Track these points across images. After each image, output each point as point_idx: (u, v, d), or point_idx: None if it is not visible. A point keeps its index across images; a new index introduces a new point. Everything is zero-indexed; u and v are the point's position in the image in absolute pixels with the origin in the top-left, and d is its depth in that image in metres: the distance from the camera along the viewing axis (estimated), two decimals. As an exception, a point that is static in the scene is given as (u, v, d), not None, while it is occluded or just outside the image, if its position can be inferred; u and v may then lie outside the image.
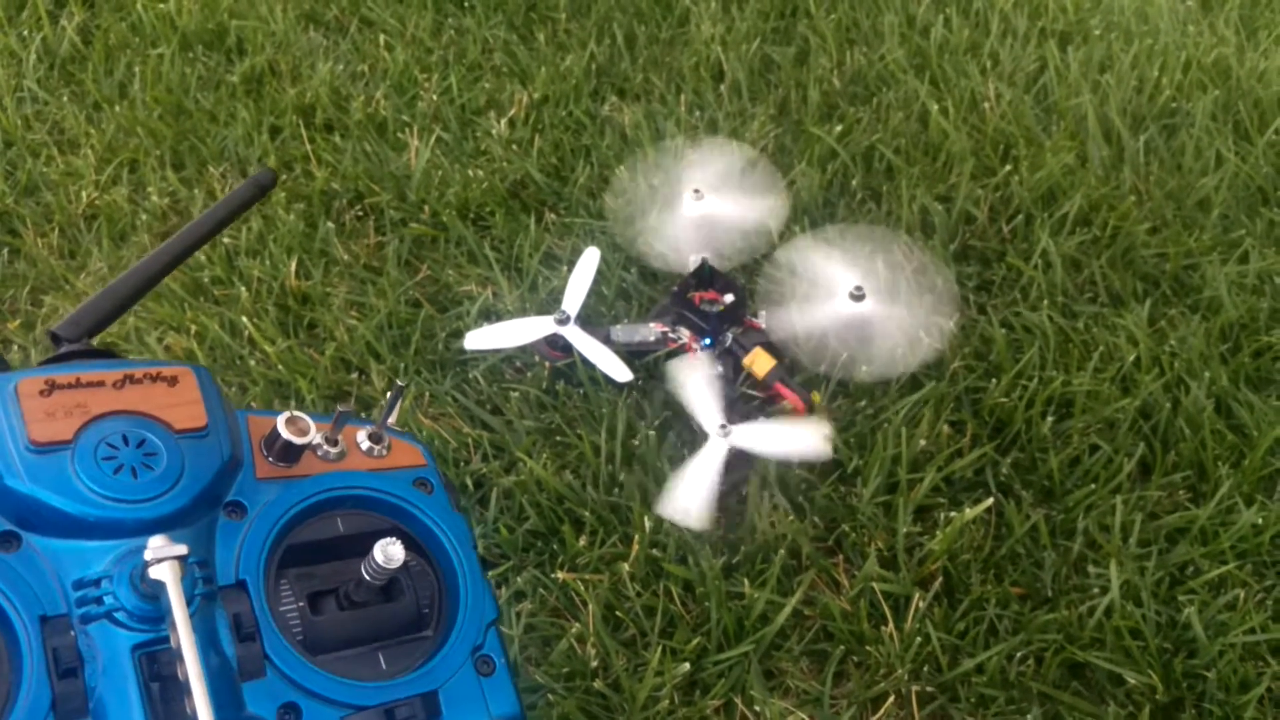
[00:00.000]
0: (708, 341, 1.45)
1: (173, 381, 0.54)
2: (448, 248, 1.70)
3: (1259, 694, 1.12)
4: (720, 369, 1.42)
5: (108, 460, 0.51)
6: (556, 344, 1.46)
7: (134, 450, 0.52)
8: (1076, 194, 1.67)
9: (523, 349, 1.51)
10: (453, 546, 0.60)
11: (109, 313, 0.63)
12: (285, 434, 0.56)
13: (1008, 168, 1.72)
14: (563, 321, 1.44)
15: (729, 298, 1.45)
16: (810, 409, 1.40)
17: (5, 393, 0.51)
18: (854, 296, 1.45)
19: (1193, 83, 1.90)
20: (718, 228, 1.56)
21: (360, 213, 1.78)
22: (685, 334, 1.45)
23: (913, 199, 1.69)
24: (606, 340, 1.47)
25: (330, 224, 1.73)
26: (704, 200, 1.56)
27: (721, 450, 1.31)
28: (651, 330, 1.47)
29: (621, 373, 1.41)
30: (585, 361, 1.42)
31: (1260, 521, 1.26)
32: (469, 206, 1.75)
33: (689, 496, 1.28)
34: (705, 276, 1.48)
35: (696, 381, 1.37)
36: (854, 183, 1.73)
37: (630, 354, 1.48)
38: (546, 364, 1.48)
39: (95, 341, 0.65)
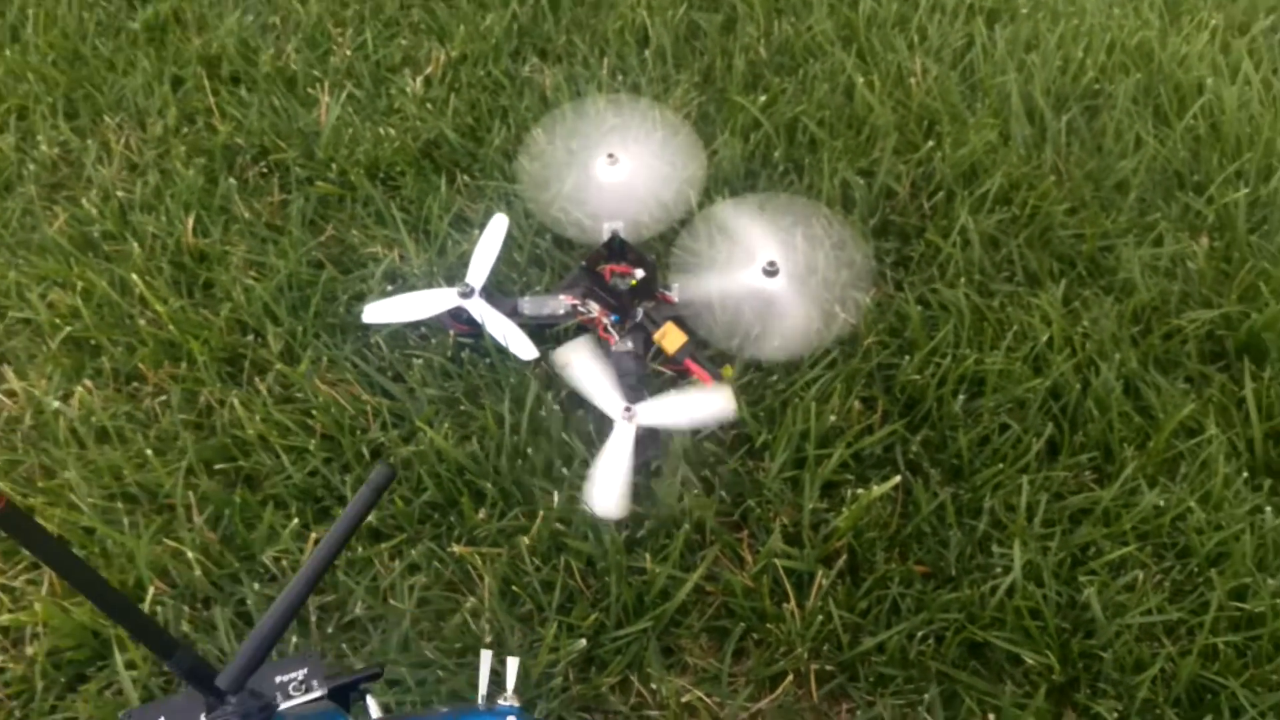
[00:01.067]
0: (617, 317, 1.41)
1: None
2: (355, 208, 1.64)
3: (1153, 674, 1.12)
4: (630, 345, 1.38)
5: None
6: (460, 317, 1.41)
7: None
8: (998, 172, 1.66)
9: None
10: None
11: (261, 657, 0.65)
12: None
13: (931, 143, 1.70)
14: (466, 294, 1.39)
15: (640, 273, 1.41)
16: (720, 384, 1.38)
17: None
18: (767, 272, 1.42)
19: (1116, 65, 1.89)
20: (633, 195, 1.52)
21: (264, 169, 1.70)
22: (595, 307, 1.41)
23: (834, 172, 1.66)
24: (514, 313, 1.43)
25: (232, 180, 1.66)
26: (619, 166, 1.52)
27: (629, 434, 1.28)
28: (561, 303, 1.43)
29: (527, 350, 1.36)
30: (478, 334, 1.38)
31: (1162, 504, 1.26)
32: (379, 166, 1.69)
33: (605, 489, 1.25)
34: (616, 248, 1.44)
35: (586, 367, 1.33)
36: (776, 154, 1.70)
37: (539, 326, 1.43)
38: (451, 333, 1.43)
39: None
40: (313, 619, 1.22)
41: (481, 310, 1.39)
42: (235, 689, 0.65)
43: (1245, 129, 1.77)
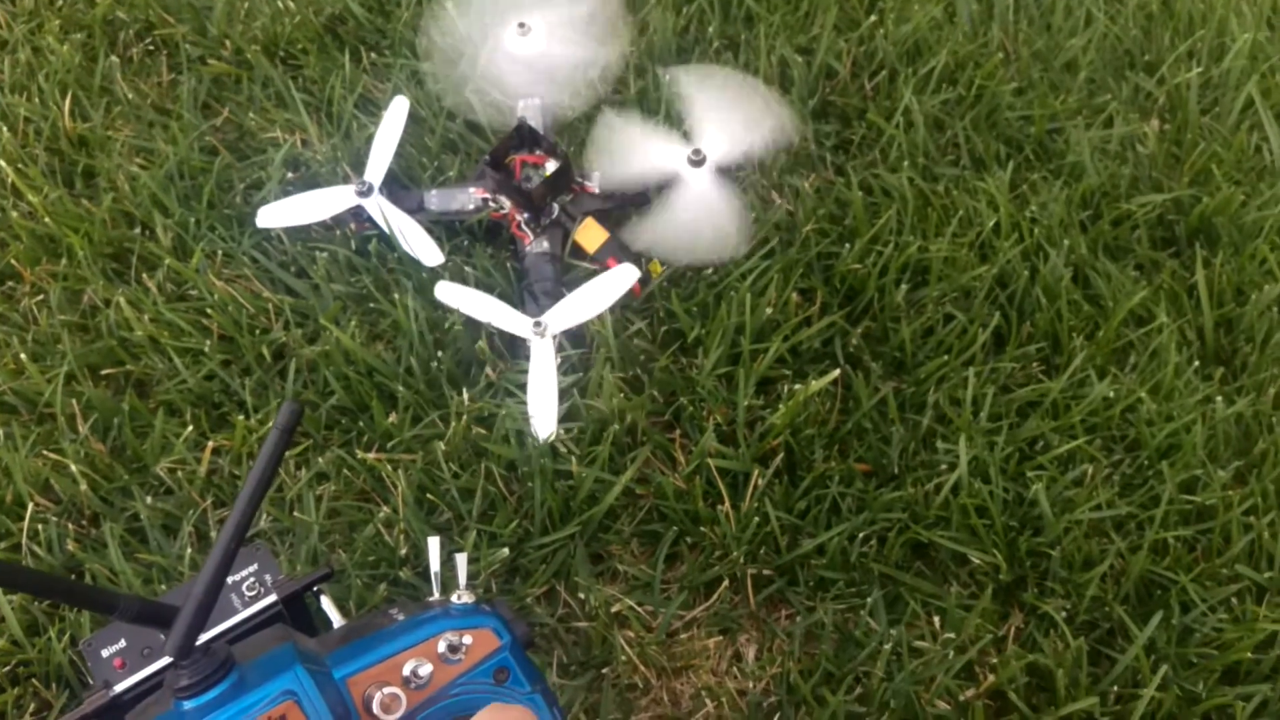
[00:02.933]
0: (530, 216, 1.30)
1: None
2: (252, 89, 1.50)
3: (1101, 571, 1.07)
4: (546, 245, 1.28)
5: None
6: (362, 215, 1.30)
7: None
8: (943, 50, 1.56)
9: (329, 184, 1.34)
10: None
11: (201, 623, 0.62)
12: (384, 715, 0.65)
13: (873, 19, 1.60)
14: (364, 193, 1.28)
15: (551, 165, 1.30)
16: (645, 286, 1.28)
17: None
18: (693, 161, 1.32)
19: (1066, -63, 1.79)
20: (549, 70, 1.40)
21: (151, 46, 1.55)
22: (507, 203, 1.30)
23: (772, 49, 1.55)
24: (420, 208, 1.32)
25: (114, 58, 1.51)
26: (531, 36, 1.39)
27: (548, 349, 1.19)
28: (471, 197, 1.32)
29: (431, 255, 1.26)
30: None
31: (1111, 395, 1.20)
32: (278, 43, 1.54)
33: (543, 412, 1.16)
34: (526, 136, 1.32)
35: (475, 299, 1.22)
36: (710, 29, 1.58)
37: (449, 222, 1.33)
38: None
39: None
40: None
41: (381, 210, 1.27)
42: (185, 654, 0.61)
43: (1198, 5, 1.69)
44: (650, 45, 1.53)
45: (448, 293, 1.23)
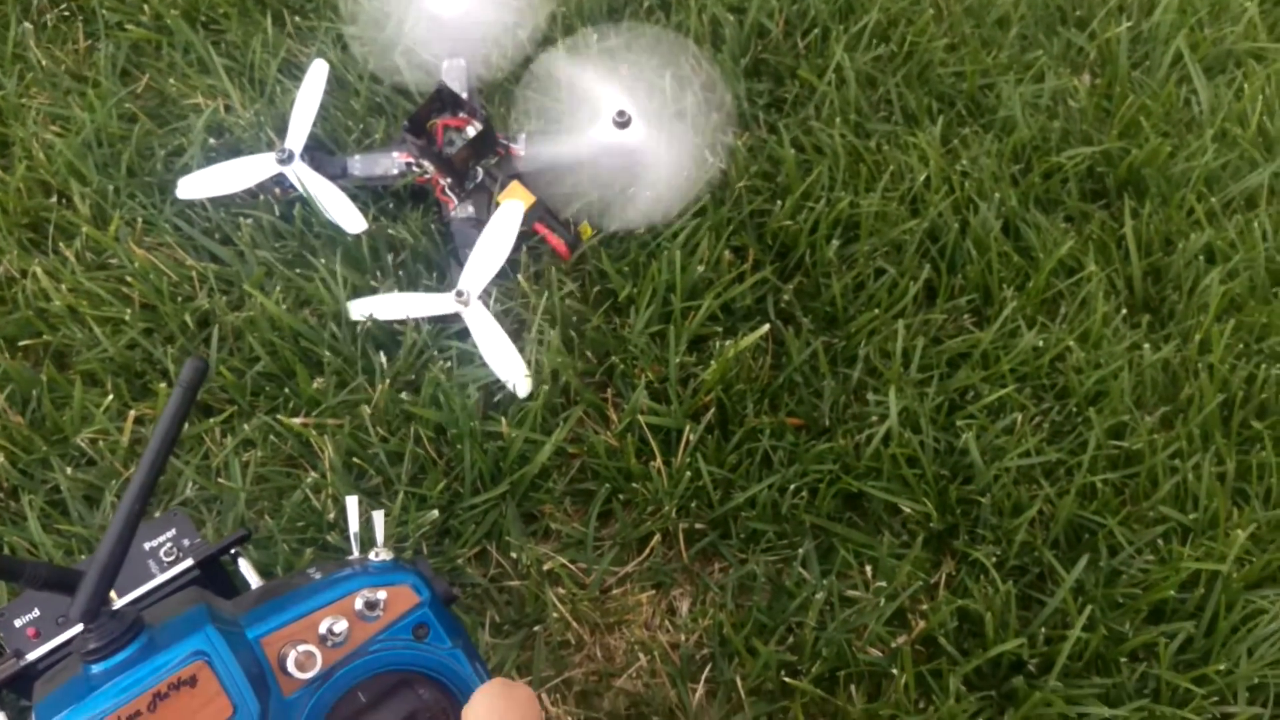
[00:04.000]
0: (453, 179, 1.28)
1: (192, 682, 0.59)
2: (172, 54, 1.46)
3: (1030, 516, 1.08)
4: (471, 210, 1.26)
5: None
6: (285, 182, 1.28)
7: None
8: (874, 7, 1.56)
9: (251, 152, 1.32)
10: (458, 675, 0.70)
11: (109, 583, 0.61)
12: (299, 674, 0.64)
13: (803, -23, 1.59)
14: (285, 160, 1.25)
15: (472, 129, 1.27)
16: (574, 249, 1.27)
17: None
18: (618, 123, 1.30)
19: (997, -106, 1.79)
20: (474, 30, 1.37)
21: (66, 12, 1.51)
22: (430, 168, 1.28)
23: (703, 9, 1.54)
24: (343, 174, 1.29)
25: (28, 25, 1.47)
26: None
27: (481, 313, 1.17)
28: (395, 162, 1.29)
29: (354, 222, 1.23)
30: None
31: (1041, 344, 1.21)
32: (198, 8, 1.51)
33: (505, 370, 1.16)
34: (447, 100, 1.29)
35: (388, 303, 1.20)
36: (640, -10, 1.57)
37: (374, 188, 1.30)
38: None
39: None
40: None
41: (303, 177, 1.25)
42: (92, 617, 0.60)
43: (1127, -40, 1.70)
44: (580, 4, 1.51)
45: (361, 307, 1.20)
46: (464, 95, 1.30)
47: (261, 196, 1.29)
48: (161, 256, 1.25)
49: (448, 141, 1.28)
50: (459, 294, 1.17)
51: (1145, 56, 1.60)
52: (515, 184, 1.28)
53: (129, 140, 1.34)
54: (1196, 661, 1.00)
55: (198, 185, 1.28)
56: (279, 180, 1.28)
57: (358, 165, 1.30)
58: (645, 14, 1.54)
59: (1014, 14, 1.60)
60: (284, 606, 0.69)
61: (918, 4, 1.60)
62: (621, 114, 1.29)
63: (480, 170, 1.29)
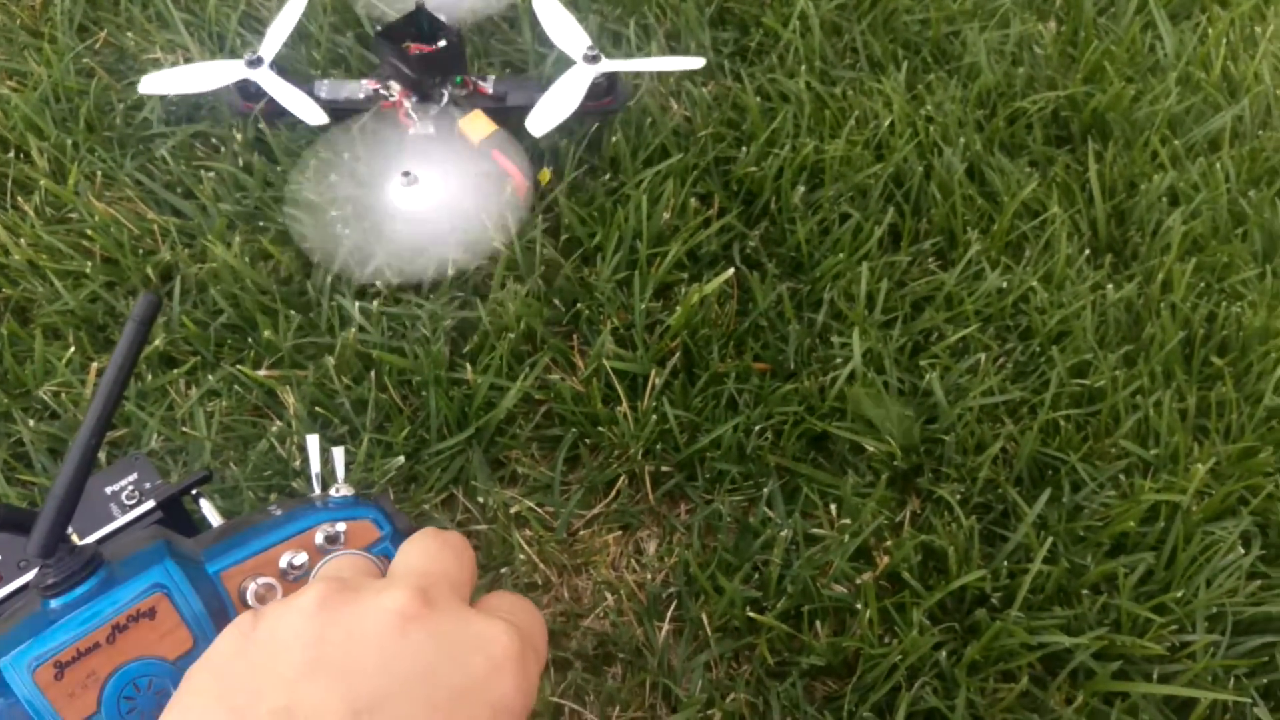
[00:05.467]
0: (419, 99, 1.28)
1: (151, 614, 0.59)
2: (130, 9, 1.45)
3: (993, 453, 1.09)
4: (432, 130, 1.26)
5: (131, 713, 0.56)
6: (249, 92, 1.26)
7: (148, 694, 0.56)
8: (839, -44, 1.55)
9: (215, 107, 1.30)
10: None
11: (66, 517, 0.59)
12: (260, 606, 0.59)
13: (768, -75, 1.58)
14: (254, 63, 1.24)
15: (442, 44, 1.27)
16: (536, 188, 1.27)
17: (29, 689, 0.55)
18: (588, 58, 1.29)
19: None
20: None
21: (21, -32, 1.49)
22: (396, 89, 1.27)
23: (667, -42, 1.53)
24: (309, 96, 1.28)
25: (-18, -20, 1.45)
26: None
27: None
28: (361, 86, 1.29)
29: (315, 116, 1.23)
30: (280, 112, 1.24)
31: (1005, 285, 1.22)
32: (157, -39, 1.49)
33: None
34: (424, 21, 1.28)
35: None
36: (604, -60, 1.55)
37: (337, 112, 1.29)
38: (237, 132, 1.28)
39: None
40: (103, 457, 1.10)
41: (270, 81, 1.24)
42: (49, 552, 0.59)
43: (1092, -93, 1.70)
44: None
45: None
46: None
47: (223, 147, 1.28)
48: (122, 210, 1.24)
49: (409, 57, 1.27)
50: (405, 174, 1.21)
51: (1111, 3, 1.60)
52: (478, 111, 1.27)
53: (87, 95, 1.33)
54: (1156, 591, 1.02)
55: (161, 82, 1.27)
56: (244, 88, 1.27)
57: (324, 89, 1.29)
58: (609, -37, 1.53)
59: (980, -39, 1.60)
60: (244, 541, 0.68)
61: (883, -48, 1.60)
62: (592, 48, 1.28)
63: (445, 94, 1.28)
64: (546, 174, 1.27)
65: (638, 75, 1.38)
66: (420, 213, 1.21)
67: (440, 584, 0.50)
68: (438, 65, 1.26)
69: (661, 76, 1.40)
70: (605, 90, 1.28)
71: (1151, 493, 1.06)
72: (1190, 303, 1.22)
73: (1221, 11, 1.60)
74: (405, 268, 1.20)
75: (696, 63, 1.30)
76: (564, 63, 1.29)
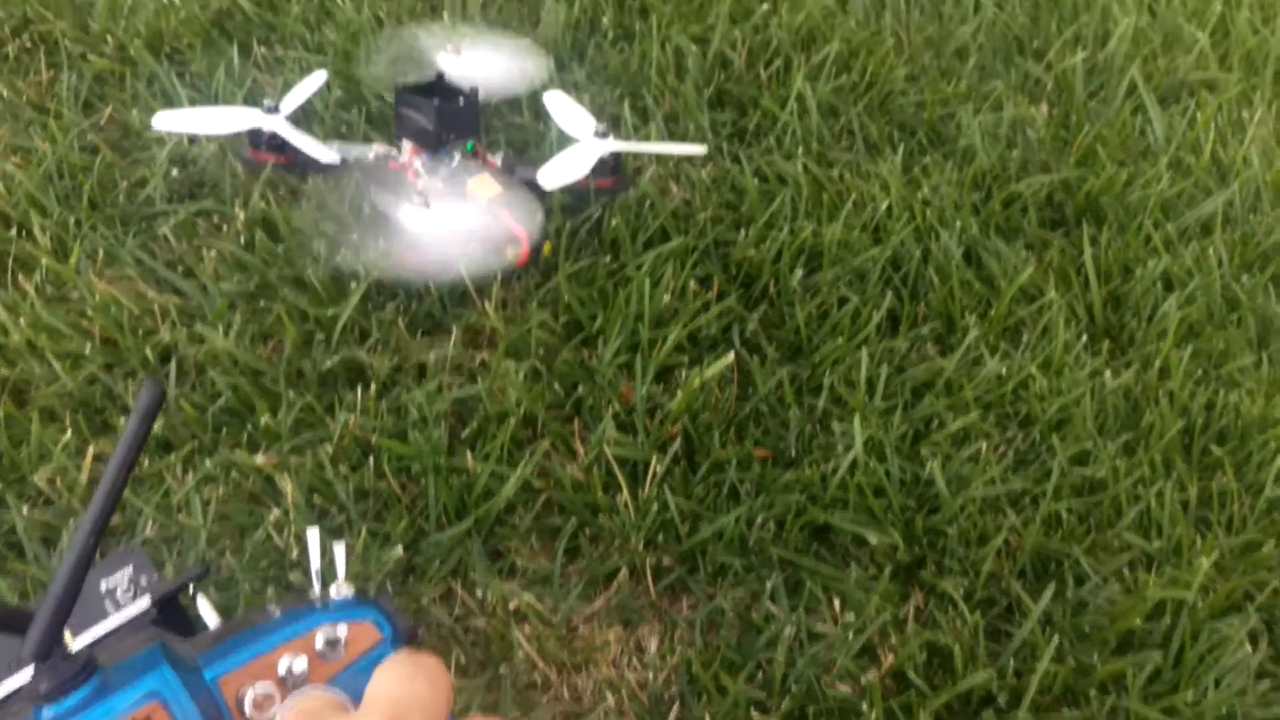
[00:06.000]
0: (430, 156, 1.29)
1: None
2: (136, 85, 1.45)
3: (997, 545, 1.08)
4: (441, 186, 1.26)
5: None
6: (260, 141, 1.28)
7: None
8: (836, 38, 1.58)
9: (218, 184, 1.31)
10: None
11: (62, 619, 0.55)
12: (257, 714, 0.59)
13: (766, 7, 1.60)
14: (271, 110, 1.26)
15: (461, 101, 1.28)
16: (536, 258, 1.27)
17: None
18: (599, 134, 1.30)
19: (955, -74, 1.82)
20: (474, 82, 1.38)
21: (28, 43, 1.50)
22: (407, 148, 1.28)
23: (666, 39, 1.55)
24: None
25: (-13, 56, 1.46)
26: (463, 57, 1.39)
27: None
28: (370, 148, 1.30)
29: (327, 155, 1.25)
30: (290, 165, 1.27)
31: (1004, 372, 1.22)
32: (163, 38, 1.50)
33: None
34: (442, 88, 1.30)
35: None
36: (605, 20, 1.58)
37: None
38: (240, 210, 1.28)
39: None
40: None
41: (285, 128, 1.26)
42: (44, 655, 0.57)
43: (1083, -9, 1.73)
44: (544, 37, 1.52)
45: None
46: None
47: (225, 225, 1.28)
48: (123, 289, 1.24)
49: (424, 106, 1.28)
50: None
51: (1101, 86, 1.63)
52: (486, 174, 1.28)
53: (90, 172, 1.33)
54: (1165, 692, 1.01)
55: (176, 120, 1.28)
56: (256, 138, 1.28)
57: (334, 149, 1.30)
58: (610, 45, 1.55)
59: (972, 45, 1.63)
60: (242, 644, 0.67)
61: (878, 35, 1.63)
62: (602, 127, 1.29)
63: (456, 156, 1.29)
64: (549, 247, 1.27)
65: (639, 158, 1.39)
66: (431, 234, 1.22)
67: (412, 712, 0.50)
68: (455, 121, 1.28)
69: (661, 159, 1.41)
70: (610, 170, 1.29)
71: (1157, 589, 1.05)
72: (1188, 390, 1.23)
73: (1209, 96, 1.63)
74: (413, 273, 1.22)
75: (699, 149, 1.31)
76: (568, 142, 1.30)
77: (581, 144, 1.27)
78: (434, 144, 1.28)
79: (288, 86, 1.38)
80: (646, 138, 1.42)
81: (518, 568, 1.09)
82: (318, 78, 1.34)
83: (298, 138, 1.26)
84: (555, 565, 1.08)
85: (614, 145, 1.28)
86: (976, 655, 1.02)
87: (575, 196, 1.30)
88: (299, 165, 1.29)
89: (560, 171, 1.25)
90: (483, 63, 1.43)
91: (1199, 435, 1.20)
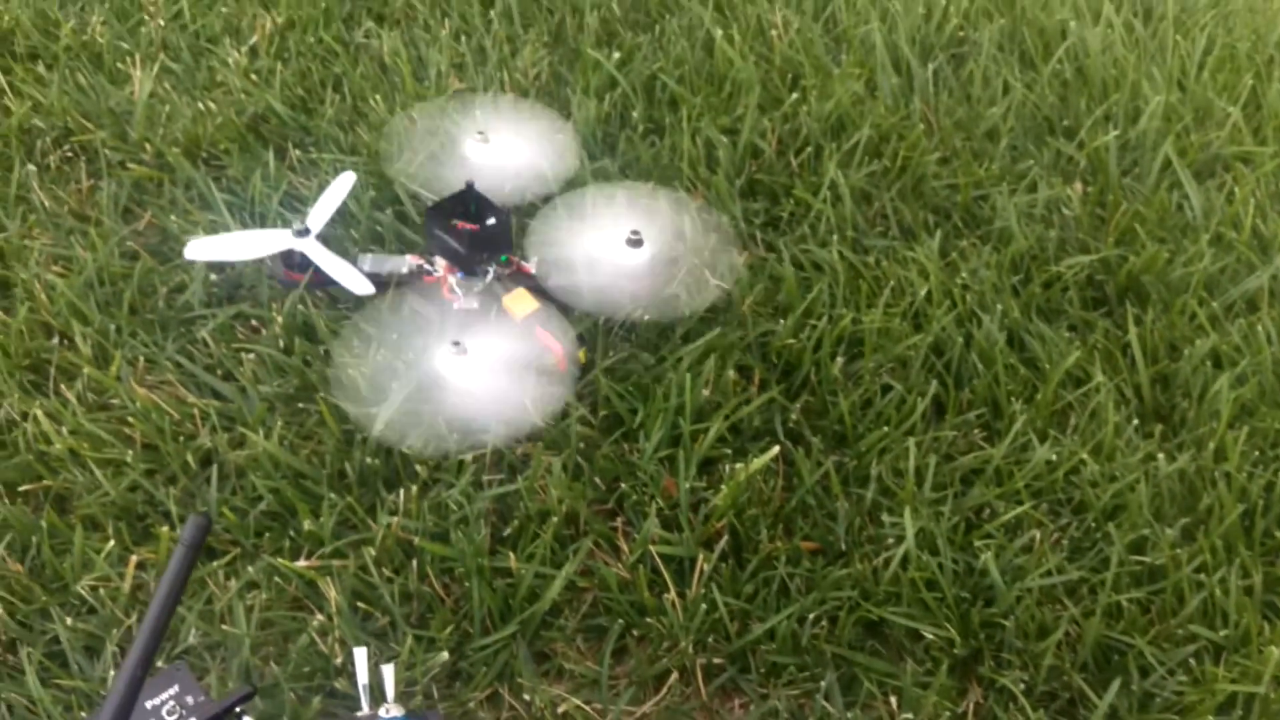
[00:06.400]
0: (464, 274, 1.29)
1: None
2: (174, 191, 1.48)
3: (1057, 639, 1.05)
4: (476, 305, 1.27)
5: None
6: (293, 262, 1.28)
7: None
8: (865, 124, 1.59)
9: (255, 286, 1.32)
10: None
11: None
12: None
13: (795, 96, 1.62)
14: (301, 233, 1.27)
15: (490, 221, 1.28)
16: (576, 366, 1.27)
17: None
18: (631, 242, 1.31)
19: (979, 11, 1.84)
20: (504, 172, 1.40)
21: (69, 153, 1.53)
22: (441, 264, 1.29)
23: (697, 131, 1.56)
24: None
25: (31, 166, 1.49)
26: (490, 144, 1.41)
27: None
28: (405, 261, 1.31)
29: (362, 286, 1.25)
30: (325, 282, 1.28)
31: (1054, 458, 1.20)
32: (199, 145, 1.53)
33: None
34: (472, 200, 1.31)
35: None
36: (635, 114, 1.59)
37: (380, 285, 1.31)
38: (277, 314, 1.29)
39: None
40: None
41: (317, 251, 1.28)
42: None
43: (1110, 71, 1.74)
44: (576, 131, 1.54)
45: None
46: None
47: (264, 330, 1.29)
48: (163, 395, 1.24)
49: (458, 231, 1.29)
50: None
51: (1134, 164, 1.62)
52: (522, 290, 1.28)
53: (130, 278, 1.35)
54: (1240, 790, 0.97)
55: (207, 248, 1.30)
56: (289, 259, 1.29)
57: (367, 263, 1.31)
58: (640, 138, 1.56)
59: (1003, 126, 1.63)
60: None
61: (908, 119, 1.63)
62: (635, 233, 1.30)
63: (490, 270, 1.29)
64: (584, 354, 1.27)
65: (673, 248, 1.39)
66: (466, 384, 1.21)
67: None
68: (485, 243, 1.28)
69: (697, 250, 1.41)
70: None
71: (1226, 680, 1.01)
72: (1246, 472, 1.20)
73: (1245, 169, 1.62)
74: (450, 437, 1.19)
75: (725, 285, 1.31)
76: (603, 244, 1.30)
77: (611, 256, 1.29)
78: (467, 266, 1.29)
79: (322, 189, 1.40)
80: (682, 230, 1.42)
81: (565, 670, 1.07)
82: (346, 180, 1.36)
83: (329, 262, 1.27)
84: (603, 668, 1.06)
85: (646, 253, 1.29)
86: (1042, 756, 0.99)
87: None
88: (333, 283, 1.29)
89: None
90: (511, 151, 1.44)
91: (1260, 518, 1.17)
